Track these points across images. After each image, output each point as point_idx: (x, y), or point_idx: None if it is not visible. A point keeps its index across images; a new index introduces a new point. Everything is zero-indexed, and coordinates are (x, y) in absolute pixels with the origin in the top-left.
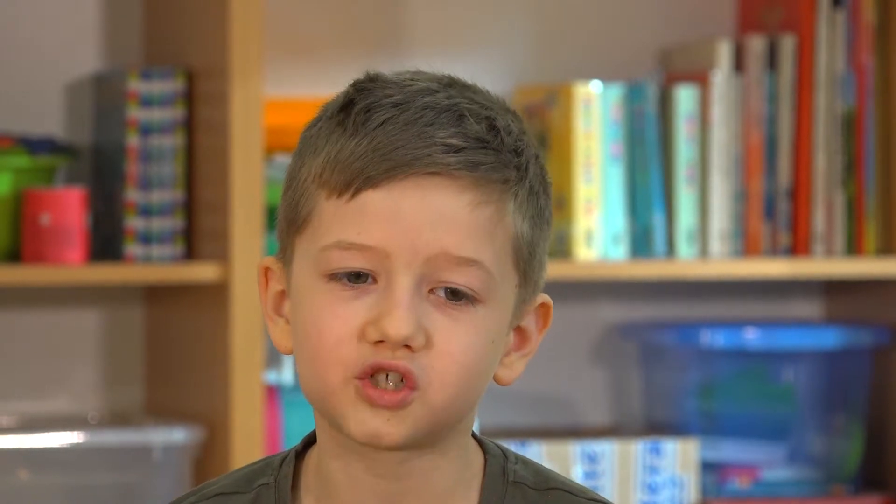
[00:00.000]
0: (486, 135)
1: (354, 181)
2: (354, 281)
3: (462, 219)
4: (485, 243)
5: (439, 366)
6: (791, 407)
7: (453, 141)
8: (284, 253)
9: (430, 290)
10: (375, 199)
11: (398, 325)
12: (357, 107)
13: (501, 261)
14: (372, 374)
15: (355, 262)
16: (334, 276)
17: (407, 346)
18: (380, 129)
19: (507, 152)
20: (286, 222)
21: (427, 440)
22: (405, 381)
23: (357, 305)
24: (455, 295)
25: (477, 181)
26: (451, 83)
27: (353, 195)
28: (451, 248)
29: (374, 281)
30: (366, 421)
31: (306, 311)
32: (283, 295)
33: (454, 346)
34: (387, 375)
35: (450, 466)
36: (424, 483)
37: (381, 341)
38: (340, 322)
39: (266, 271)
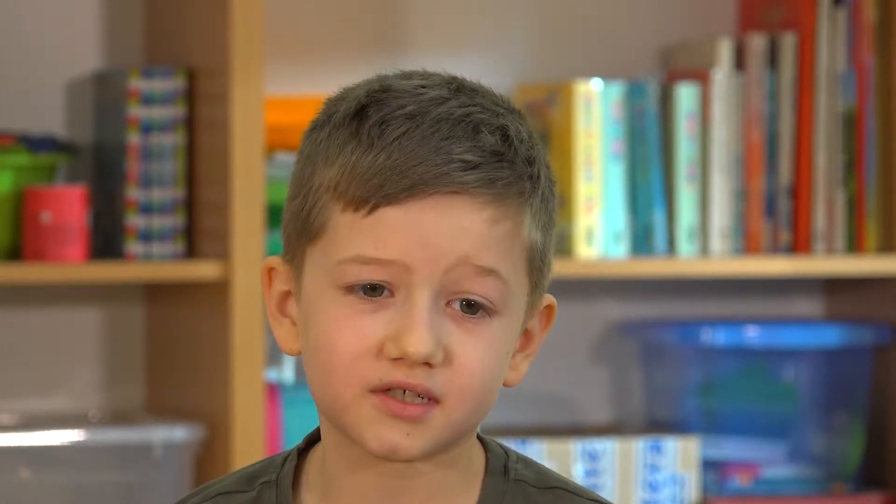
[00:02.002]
0: (500, 147)
1: (372, 197)
2: (371, 294)
3: (481, 232)
4: (503, 256)
5: (457, 381)
6: (792, 405)
7: (470, 157)
8: (293, 257)
9: (447, 304)
10: (394, 215)
11: (418, 343)
12: (371, 119)
13: (517, 271)
14: (388, 390)
15: (374, 276)
16: (351, 289)
17: (426, 364)
18: (396, 143)
19: (520, 163)
20: (296, 230)
21: (442, 451)
22: (423, 398)
23: (375, 320)
24: (471, 308)
25: (495, 197)
26: (459, 88)
27: (371, 210)
28: (472, 256)
29: (392, 294)
30: (384, 435)
31: (320, 323)
32: (287, 295)
33: (472, 361)
34: (404, 392)
35: (454, 466)
36: (428, 482)
37: (399, 358)
38: (358, 338)
39: (270, 271)
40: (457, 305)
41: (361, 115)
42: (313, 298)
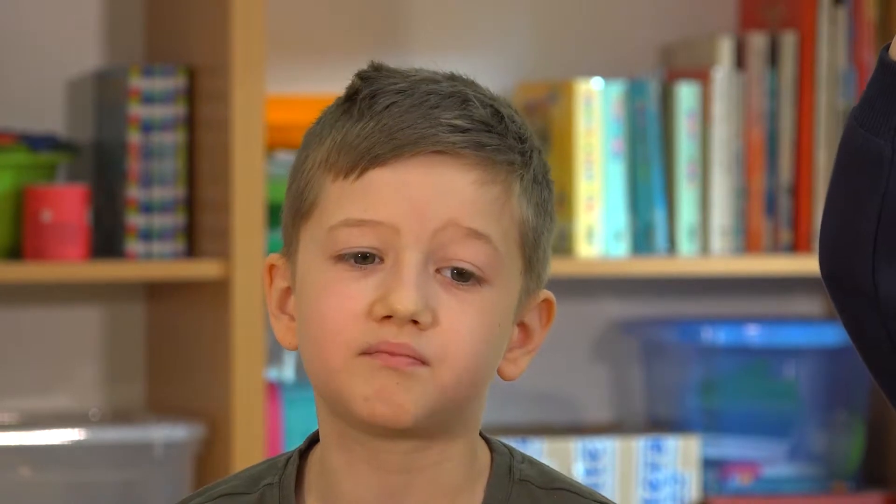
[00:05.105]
0: (490, 119)
1: (361, 161)
2: (361, 262)
3: (469, 195)
4: (492, 220)
5: (445, 344)
6: (792, 404)
7: (459, 122)
8: (289, 247)
9: (437, 271)
10: (382, 177)
11: (406, 300)
12: (362, 94)
13: (508, 241)
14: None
15: (363, 240)
16: (341, 258)
17: (414, 322)
18: (385, 111)
19: (511, 137)
20: (291, 213)
21: (435, 424)
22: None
23: (364, 285)
24: (461, 276)
25: (482, 161)
26: (453, 76)
27: (360, 174)
28: (459, 218)
29: (381, 261)
30: (374, 384)
31: (312, 293)
32: (287, 292)
33: (461, 326)
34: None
35: (456, 463)
36: (430, 479)
37: (387, 317)
38: (348, 302)
39: (271, 268)
40: (447, 273)
41: (353, 95)
42: (306, 273)
